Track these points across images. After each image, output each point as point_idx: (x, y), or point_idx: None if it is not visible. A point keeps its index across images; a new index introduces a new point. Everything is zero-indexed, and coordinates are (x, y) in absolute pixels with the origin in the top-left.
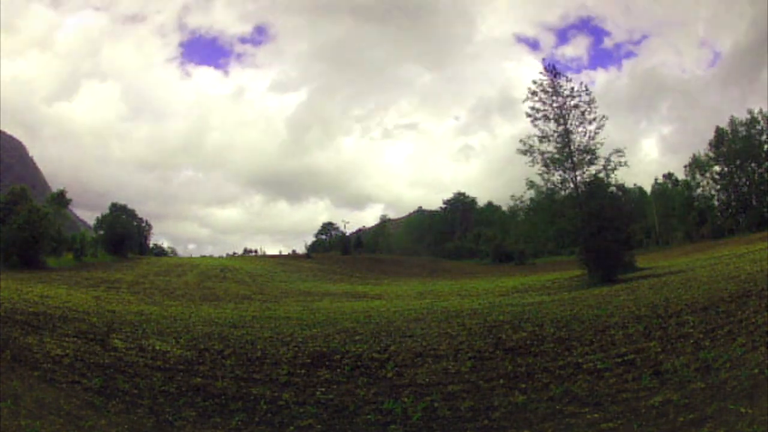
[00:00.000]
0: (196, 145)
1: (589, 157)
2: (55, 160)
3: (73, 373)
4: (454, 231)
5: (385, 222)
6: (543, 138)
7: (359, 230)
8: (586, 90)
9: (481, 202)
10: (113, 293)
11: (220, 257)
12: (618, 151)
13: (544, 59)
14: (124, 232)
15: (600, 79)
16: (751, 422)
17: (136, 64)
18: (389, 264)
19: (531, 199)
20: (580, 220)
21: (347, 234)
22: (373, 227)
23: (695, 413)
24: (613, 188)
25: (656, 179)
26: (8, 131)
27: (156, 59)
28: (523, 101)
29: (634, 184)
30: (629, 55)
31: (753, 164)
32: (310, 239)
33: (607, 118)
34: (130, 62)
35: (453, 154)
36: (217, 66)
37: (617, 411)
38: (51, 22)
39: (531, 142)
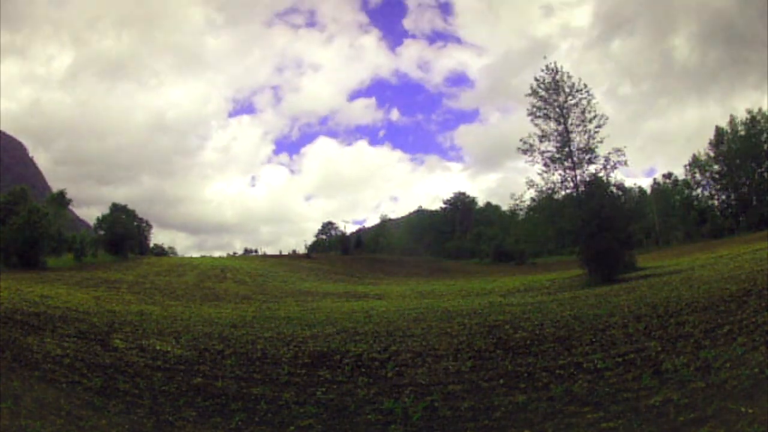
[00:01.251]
0: None
1: (588, 156)
2: None
3: (74, 373)
4: (454, 231)
5: (385, 222)
6: (543, 137)
7: (359, 230)
8: (586, 89)
9: (482, 201)
10: (113, 293)
11: (220, 257)
12: (618, 150)
13: (545, 57)
14: (124, 232)
15: None
16: (751, 422)
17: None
18: (389, 264)
19: (531, 199)
20: (580, 219)
21: (347, 234)
22: (373, 227)
23: (696, 413)
24: (612, 188)
25: (656, 179)
26: (9, 131)
27: None
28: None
29: (634, 184)
30: None
31: (753, 164)
32: (311, 239)
33: (607, 118)
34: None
35: None
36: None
37: (617, 410)
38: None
39: (531, 141)
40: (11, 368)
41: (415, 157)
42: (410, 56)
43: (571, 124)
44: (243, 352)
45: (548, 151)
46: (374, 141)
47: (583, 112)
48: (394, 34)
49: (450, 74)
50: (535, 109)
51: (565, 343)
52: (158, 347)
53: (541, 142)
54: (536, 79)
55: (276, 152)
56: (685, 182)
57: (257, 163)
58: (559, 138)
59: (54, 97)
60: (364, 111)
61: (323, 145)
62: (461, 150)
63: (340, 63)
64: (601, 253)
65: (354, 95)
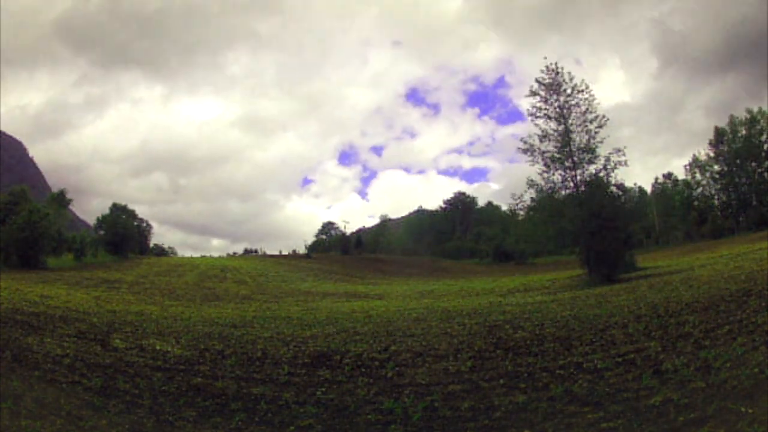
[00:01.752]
0: None
1: (589, 156)
2: None
3: (74, 373)
4: (454, 231)
5: (385, 222)
6: (543, 137)
7: (359, 230)
8: (588, 89)
9: (482, 201)
10: (113, 293)
11: (220, 257)
12: (618, 150)
13: (545, 57)
14: (124, 232)
15: None
16: (751, 422)
17: None
18: (389, 264)
19: (531, 199)
20: (581, 219)
21: (347, 234)
22: (373, 227)
23: (696, 413)
24: (613, 188)
25: (656, 179)
26: (9, 131)
27: None
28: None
29: (635, 184)
30: None
31: (753, 164)
32: (310, 239)
33: (607, 119)
34: None
35: None
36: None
37: (617, 410)
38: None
39: (532, 141)
40: (11, 368)
41: (470, 184)
42: (486, 129)
43: (572, 124)
44: (243, 352)
45: (548, 151)
46: (442, 172)
47: (583, 113)
48: (483, 114)
49: (510, 137)
50: (535, 109)
51: (565, 343)
52: (158, 347)
53: (541, 142)
54: (537, 80)
55: (359, 189)
56: (685, 182)
57: (340, 195)
58: (559, 138)
59: (166, 137)
60: (452, 161)
61: (395, 175)
62: (503, 177)
63: (442, 132)
64: (601, 253)
65: (449, 152)
